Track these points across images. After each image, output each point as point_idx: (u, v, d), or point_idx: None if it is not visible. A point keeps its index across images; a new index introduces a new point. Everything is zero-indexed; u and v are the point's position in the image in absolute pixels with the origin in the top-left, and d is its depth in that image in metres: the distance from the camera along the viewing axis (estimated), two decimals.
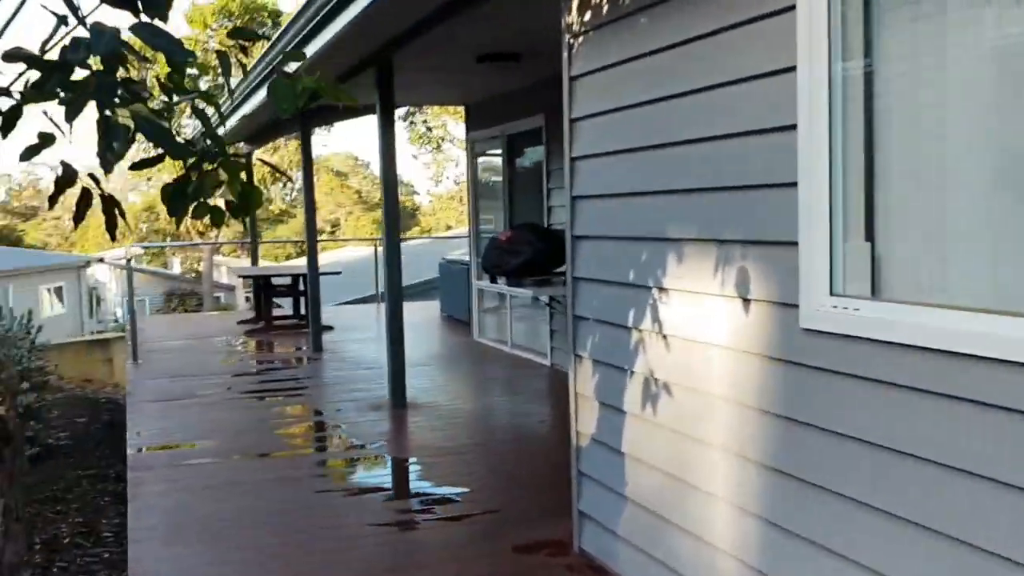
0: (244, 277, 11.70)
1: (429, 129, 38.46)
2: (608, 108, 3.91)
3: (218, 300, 45.84)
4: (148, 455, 6.14)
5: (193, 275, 40.20)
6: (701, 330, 3.35)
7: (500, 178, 10.43)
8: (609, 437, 4.02)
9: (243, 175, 2.95)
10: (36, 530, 5.47)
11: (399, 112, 39.38)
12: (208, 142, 2.84)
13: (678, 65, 3.42)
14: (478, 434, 6.66)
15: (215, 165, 2.86)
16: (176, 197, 2.84)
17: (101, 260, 41.19)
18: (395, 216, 7.40)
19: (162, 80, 2.77)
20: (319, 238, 65.46)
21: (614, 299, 3.93)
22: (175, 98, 2.70)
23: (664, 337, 3.58)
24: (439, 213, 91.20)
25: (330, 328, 11.97)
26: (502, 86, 9.57)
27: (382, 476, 5.69)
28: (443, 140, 38.49)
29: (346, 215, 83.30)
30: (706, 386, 3.35)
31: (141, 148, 34.32)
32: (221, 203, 3.11)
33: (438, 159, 39.70)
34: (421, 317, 13.45)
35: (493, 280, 8.71)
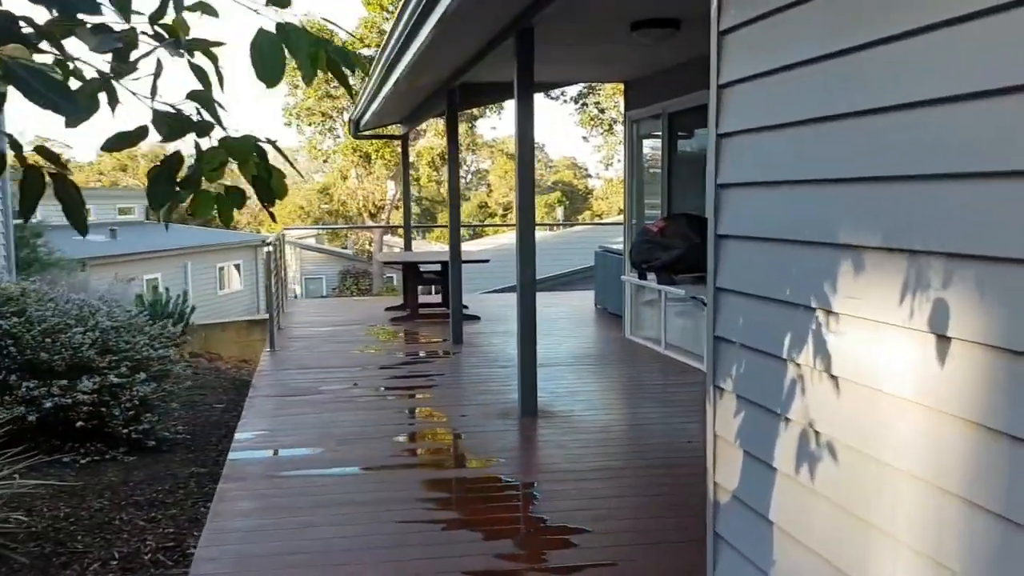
0: (388, 264, 11.19)
1: (601, 111, 37.52)
2: (770, 68, 2.97)
3: (390, 280, 46.78)
4: (246, 461, 5.62)
5: (366, 256, 40.91)
6: (880, 374, 2.39)
7: (659, 161, 9.47)
8: (754, 498, 3.10)
9: (255, 156, 2.22)
10: (121, 541, 5.03)
11: (570, 93, 38.63)
12: (201, 112, 2.12)
13: None
14: (613, 455, 5.79)
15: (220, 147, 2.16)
16: (159, 184, 2.14)
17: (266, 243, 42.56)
18: (529, 202, 6.61)
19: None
20: (492, 221, 65.28)
21: (766, 319, 3.00)
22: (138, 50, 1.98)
23: (830, 377, 2.63)
24: (612, 197, 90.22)
25: (476, 319, 11.36)
26: (662, 59, 8.60)
27: (493, 504, 4.93)
28: (615, 122, 37.44)
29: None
30: (884, 453, 2.39)
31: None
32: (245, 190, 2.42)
33: (609, 142, 38.59)
34: (574, 309, 12.66)
35: (642, 276, 7.80)
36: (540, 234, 31.37)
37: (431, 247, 43.85)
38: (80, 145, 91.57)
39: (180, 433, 7.33)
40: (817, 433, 2.71)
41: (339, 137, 35.27)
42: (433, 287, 12.86)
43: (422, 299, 12.49)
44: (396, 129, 15.00)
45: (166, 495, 5.93)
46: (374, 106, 11.33)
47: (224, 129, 2.09)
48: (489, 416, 6.63)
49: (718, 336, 3.31)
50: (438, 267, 11.85)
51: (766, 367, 2.97)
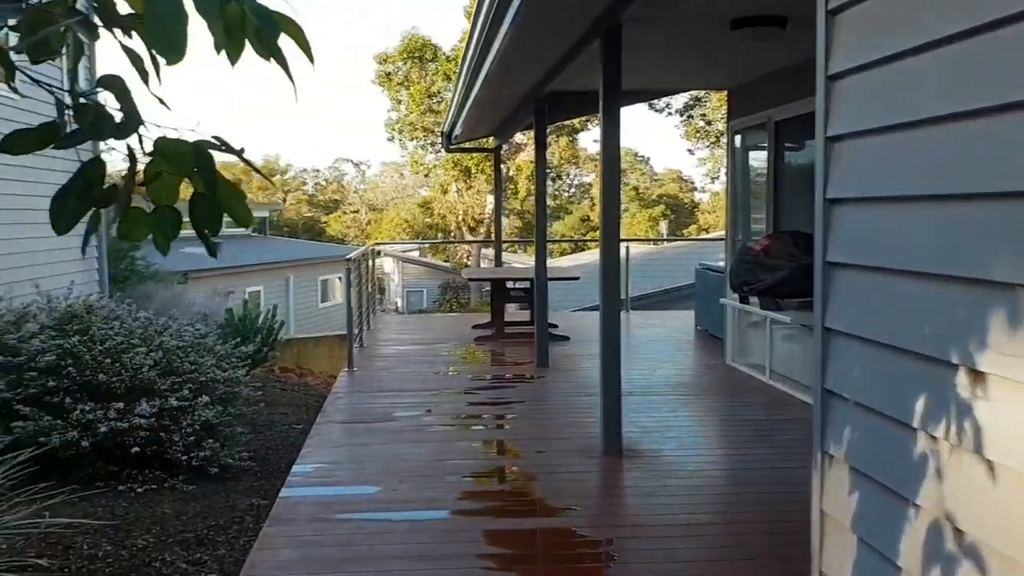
0: (473, 280, 10.71)
1: (707, 123, 36.55)
2: (896, 51, 2.32)
3: (487, 295, 46.53)
4: (298, 500, 5.15)
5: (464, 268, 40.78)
6: None
7: (764, 173, 8.73)
8: None
9: (195, 165, 1.69)
10: None
11: (675, 105, 37.75)
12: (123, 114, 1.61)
13: None
14: (705, 506, 5.11)
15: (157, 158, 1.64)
16: (63, 200, 1.63)
17: (378, 253, 42.77)
18: (614, 218, 6.00)
19: None
20: (595, 236, 65.52)
21: (890, 374, 2.34)
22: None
23: (979, 460, 1.97)
24: (718, 211, 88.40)
25: (565, 339, 10.77)
26: (767, 63, 7.89)
27: (563, 565, 4.33)
28: (721, 135, 36.40)
29: (621, 212, 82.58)
30: None
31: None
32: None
33: (715, 155, 37.53)
34: (672, 330, 11.95)
35: (743, 300, 7.10)
36: (642, 249, 30.61)
37: (531, 260, 43.48)
38: None
39: (246, 460, 6.93)
40: (958, 531, 2.04)
41: (440, 152, 35.23)
42: (522, 304, 12.35)
43: (511, 317, 11.98)
44: (488, 142, 14.57)
45: (218, 531, 5.52)
46: (462, 117, 10.89)
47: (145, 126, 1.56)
48: (569, 454, 6.03)
49: (827, 389, 2.66)
50: (527, 284, 11.33)
51: (889, 436, 2.31)
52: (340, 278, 34.57)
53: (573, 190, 76.36)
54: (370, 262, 13.71)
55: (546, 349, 9.21)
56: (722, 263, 11.72)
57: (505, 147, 35.90)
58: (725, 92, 9.96)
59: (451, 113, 11.94)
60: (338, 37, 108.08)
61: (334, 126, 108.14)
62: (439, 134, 35.51)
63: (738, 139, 9.52)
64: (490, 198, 36.01)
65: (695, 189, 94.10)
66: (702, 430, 7.08)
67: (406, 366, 9.43)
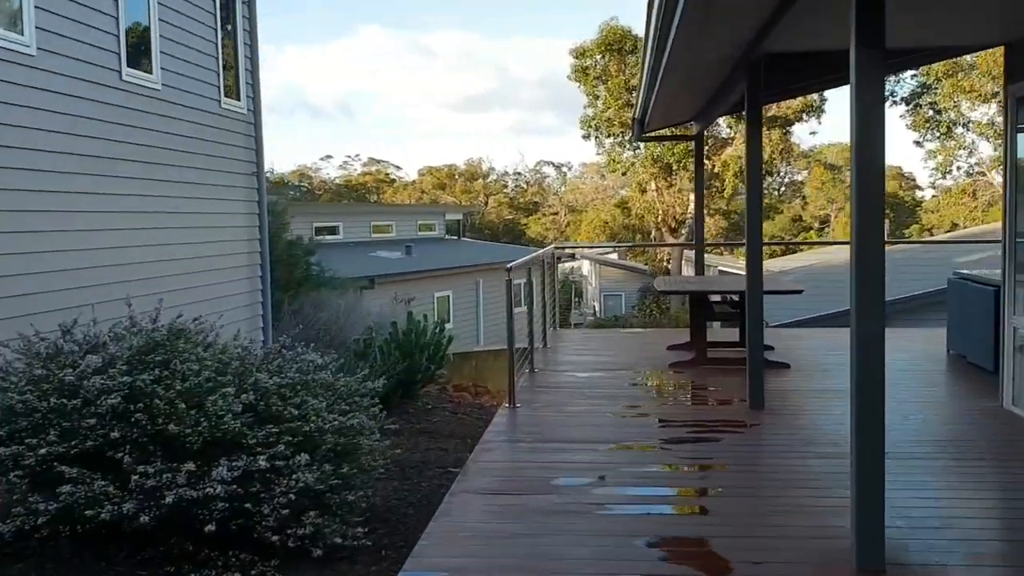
0: (667, 293, 8.77)
1: (937, 112, 32.63)
2: None
3: (687, 299, 43.87)
4: None
5: (663, 273, 38.55)
6: None
7: None
8: None
9: None
10: None
11: (902, 93, 33.99)
12: None
13: None
14: None
15: None
16: None
17: (572, 256, 41.17)
18: (879, 207, 3.96)
19: None
20: (806, 237, 61.12)
21: None
22: None
23: None
24: (943, 210, 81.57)
25: (784, 366, 8.65)
26: None
27: None
28: (954, 125, 32.41)
29: (836, 211, 77.51)
30: None
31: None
32: None
33: (947, 147, 33.52)
34: (915, 354, 9.55)
35: None
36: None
37: (739, 263, 40.60)
38: (407, 166, 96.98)
39: (361, 536, 5.31)
40: None
41: (640, 149, 33.22)
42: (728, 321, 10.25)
43: (714, 336, 9.93)
44: (689, 129, 12.53)
45: None
46: (655, 94, 8.98)
47: None
48: (801, 567, 4.04)
49: None
50: (734, 296, 9.28)
51: None
52: (524, 284, 33.29)
53: (784, 188, 72.32)
54: (553, 267, 12.02)
55: (761, 384, 7.16)
56: (986, 272, 9.23)
57: (709, 140, 33.47)
58: (1001, 48, 7.58)
59: (641, 91, 10.05)
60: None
61: (536, 128, 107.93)
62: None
63: (1020, 109, 7.11)
64: (692, 197, 33.67)
65: (918, 187, 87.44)
66: (1002, 525, 4.86)
67: (581, 402, 7.60)
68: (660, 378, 8.62)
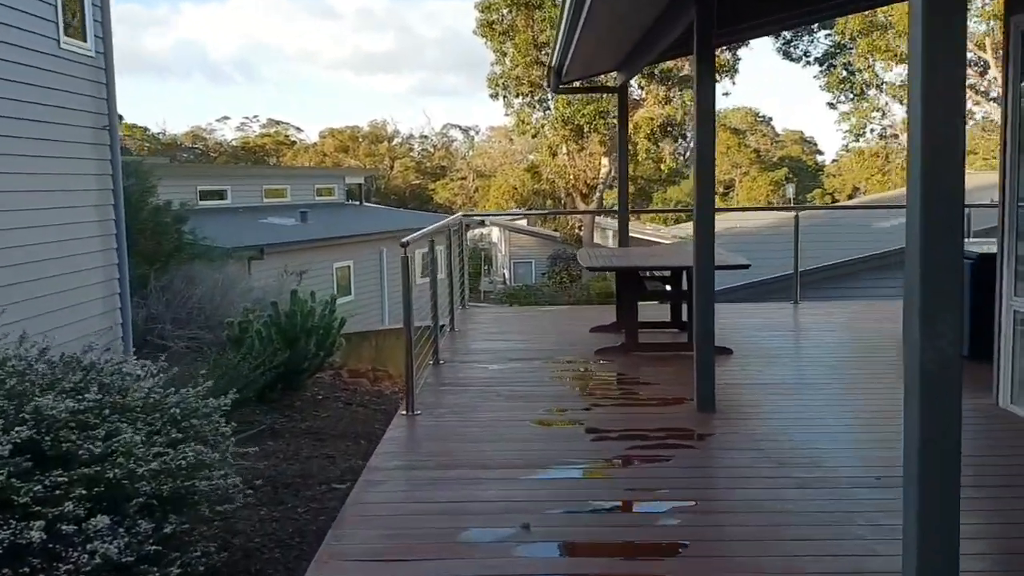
0: (593, 269, 7.42)
1: (851, 73, 32.08)
2: None
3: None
4: None
5: (574, 240, 37.46)
6: None
7: None
8: None
9: None
10: None
11: (816, 53, 33.35)
12: None
13: None
14: None
15: None
16: None
17: (482, 223, 39.77)
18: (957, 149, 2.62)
19: None
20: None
21: None
22: None
23: None
24: (846, 174, 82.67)
25: (726, 351, 7.42)
26: None
27: None
28: (868, 86, 31.93)
29: (741, 176, 77.76)
30: None
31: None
32: None
33: (860, 109, 33.05)
34: (874, 336, 8.44)
35: None
36: (765, 219, 26.68)
37: (644, 230, 39.62)
38: (308, 128, 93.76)
39: (215, 560, 3.81)
40: None
41: (549, 110, 31.84)
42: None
43: (644, 315, 8.64)
44: (611, 80, 11.16)
45: None
46: (576, 37, 7.60)
47: None
48: None
49: None
50: (669, 273, 8.00)
51: None
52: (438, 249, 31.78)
53: (689, 153, 71.99)
54: (461, 237, 10.59)
55: (711, 383, 5.88)
56: (982, 247, 8.18)
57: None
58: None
59: (561, 33, 8.66)
60: None
61: (442, 90, 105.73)
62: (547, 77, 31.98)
63: None
64: (605, 161, 32.47)
65: (820, 152, 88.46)
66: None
67: (494, 405, 6.20)
68: (586, 367, 7.29)
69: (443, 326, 8.81)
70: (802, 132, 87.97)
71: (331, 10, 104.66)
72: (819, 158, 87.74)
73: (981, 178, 29.04)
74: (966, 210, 10.56)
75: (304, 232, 23.37)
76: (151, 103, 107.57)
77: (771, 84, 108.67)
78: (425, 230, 7.31)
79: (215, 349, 10.26)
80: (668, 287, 8.11)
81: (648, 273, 8.21)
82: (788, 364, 7.33)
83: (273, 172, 37.16)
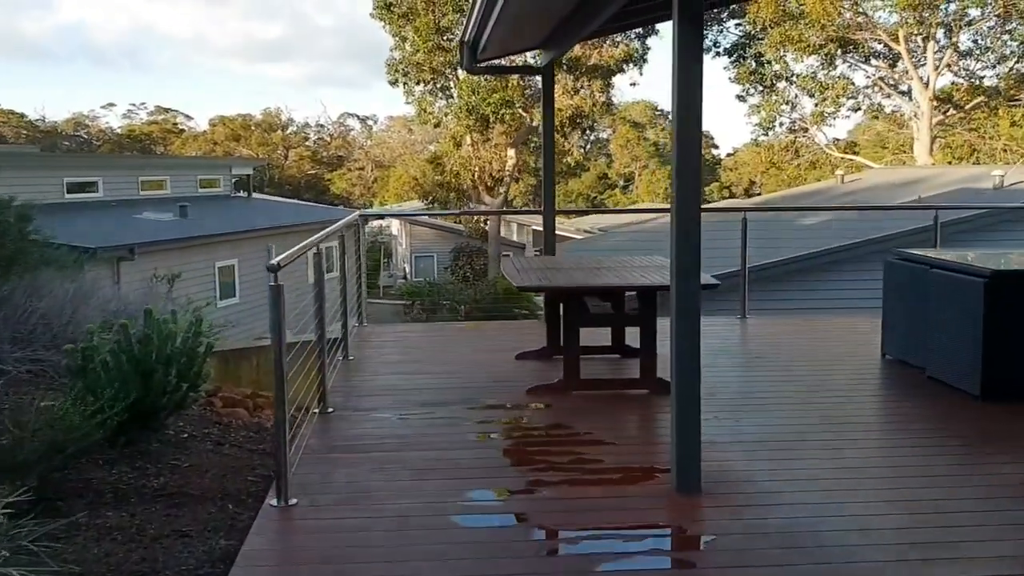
0: (525, 289, 5.81)
1: (761, 64, 31.30)
2: None
3: (508, 259, 41.30)
4: None
5: (479, 235, 35.90)
6: None
7: None
8: None
9: None
10: None
11: (725, 44, 32.49)
12: None
13: None
14: None
15: None
16: None
17: (380, 216, 37.80)
18: None
19: None
20: (612, 195, 59.61)
21: None
22: None
23: None
24: (742, 168, 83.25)
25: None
26: None
27: None
28: (778, 78, 31.17)
29: (640, 169, 77.46)
30: None
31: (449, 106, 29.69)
32: None
33: (770, 101, 32.31)
34: (827, 356, 7.11)
35: None
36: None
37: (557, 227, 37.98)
38: (196, 115, 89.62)
39: None
40: None
41: (453, 98, 30.15)
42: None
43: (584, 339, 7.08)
44: (533, 60, 9.59)
45: None
46: (499, 5, 6.03)
47: None
48: None
49: None
50: (614, 293, 6.46)
51: None
52: (326, 249, 29.70)
53: (589, 146, 71.07)
54: (358, 240, 8.91)
55: (696, 457, 4.35)
56: (953, 252, 6.88)
57: (526, 91, 30.59)
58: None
59: (477, 5, 7.06)
60: None
61: (338, 79, 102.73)
62: (454, 78, 30.18)
63: None
64: (511, 152, 30.94)
65: (714, 146, 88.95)
66: None
67: (399, 491, 4.52)
68: (519, 420, 5.70)
69: (335, 342, 7.13)
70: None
71: None
72: (715, 152, 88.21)
73: (898, 173, 28.63)
74: (935, 212, 9.34)
75: (182, 228, 21.18)
76: (32, 88, 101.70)
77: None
78: (306, 243, 5.63)
79: (62, 374, 8.32)
80: (612, 307, 6.59)
81: (599, 302, 6.67)
82: (771, 408, 5.89)
83: (150, 162, 34.39)
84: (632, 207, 43.90)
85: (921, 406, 5.94)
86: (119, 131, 74.05)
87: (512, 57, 10.33)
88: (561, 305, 6.60)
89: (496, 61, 9.33)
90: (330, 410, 5.82)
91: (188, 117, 78.12)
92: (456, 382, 6.63)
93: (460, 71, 29.00)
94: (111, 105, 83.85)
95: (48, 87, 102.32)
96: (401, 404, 6.03)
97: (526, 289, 5.95)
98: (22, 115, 66.74)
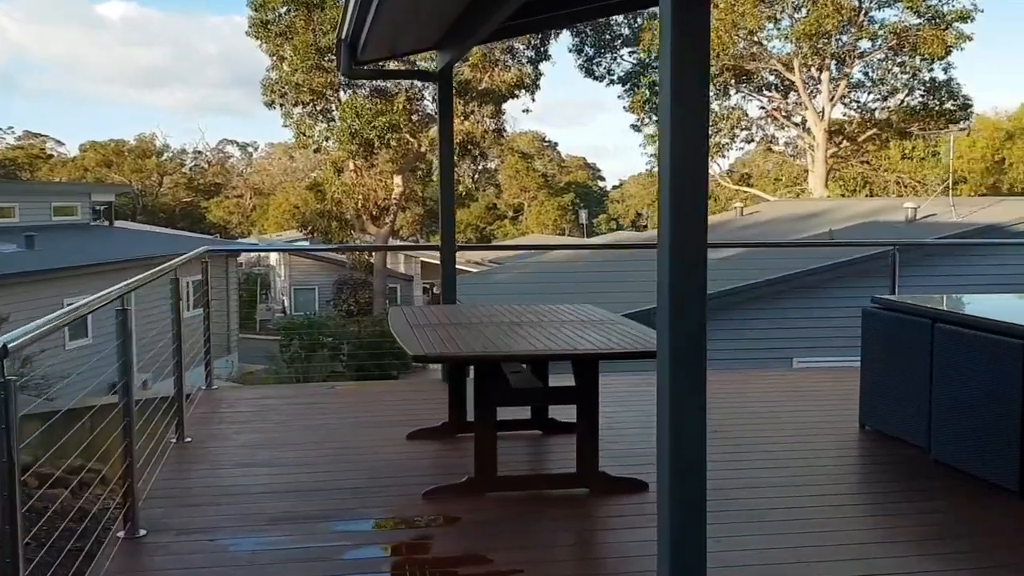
0: (423, 360, 4.11)
1: (654, 93, 30.45)
2: None
3: (393, 294, 39.51)
4: None
5: (364, 267, 33.99)
6: None
7: None
8: None
9: None
10: None
11: (618, 72, 31.57)
12: None
13: None
14: None
15: None
16: None
17: (233, 252, 35.54)
18: None
19: None
20: (501, 225, 58.78)
21: None
22: None
23: None
24: (629, 200, 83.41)
25: (638, 486, 4.38)
26: None
27: None
28: None
29: (529, 200, 76.66)
30: None
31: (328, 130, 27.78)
32: None
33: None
34: (781, 426, 5.69)
35: None
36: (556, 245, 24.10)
37: (423, 256, 36.21)
38: (70, 141, 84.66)
39: None
40: None
41: (334, 121, 28.28)
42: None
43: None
44: (426, 62, 7.95)
45: None
46: None
47: None
48: None
49: None
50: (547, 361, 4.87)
51: None
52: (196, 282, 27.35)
53: (477, 176, 69.90)
54: (205, 283, 7.08)
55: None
56: (952, 303, 5.57)
57: (413, 116, 28.87)
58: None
59: None
60: None
61: (219, 107, 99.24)
62: (335, 100, 28.21)
63: None
64: (398, 180, 29.19)
65: (601, 177, 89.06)
66: None
67: None
68: (412, 551, 4.02)
69: (168, 410, 5.38)
70: (584, 158, 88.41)
71: (100, 20, 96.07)
72: (601, 184, 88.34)
73: (798, 206, 28.11)
74: (892, 249, 8.11)
75: (23, 262, 18.68)
76: None
77: (561, 110, 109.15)
78: (109, 291, 3.89)
79: None
80: (533, 372, 4.99)
81: (521, 370, 5.05)
82: (769, 517, 4.38)
83: None
84: (540, 243, 42.57)
85: (941, 508, 4.52)
86: None
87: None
88: (471, 370, 4.98)
89: (382, 64, 7.67)
90: (142, 532, 4.03)
91: (59, 143, 73.74)
92: (325, 479, 4.89)
93: (342, 93, 27.22)
94: None
95: None
96: (245, 522, 4.26)
97: (425, 360, 4.27)
98: None
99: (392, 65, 8.67)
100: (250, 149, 78.55)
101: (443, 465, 5.09)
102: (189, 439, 5.63)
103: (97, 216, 28.46)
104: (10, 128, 72.56)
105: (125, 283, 4.22)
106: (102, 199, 29.08)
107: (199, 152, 76.76)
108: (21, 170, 68.77)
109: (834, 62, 29.94)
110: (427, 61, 10.06)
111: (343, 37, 6.90)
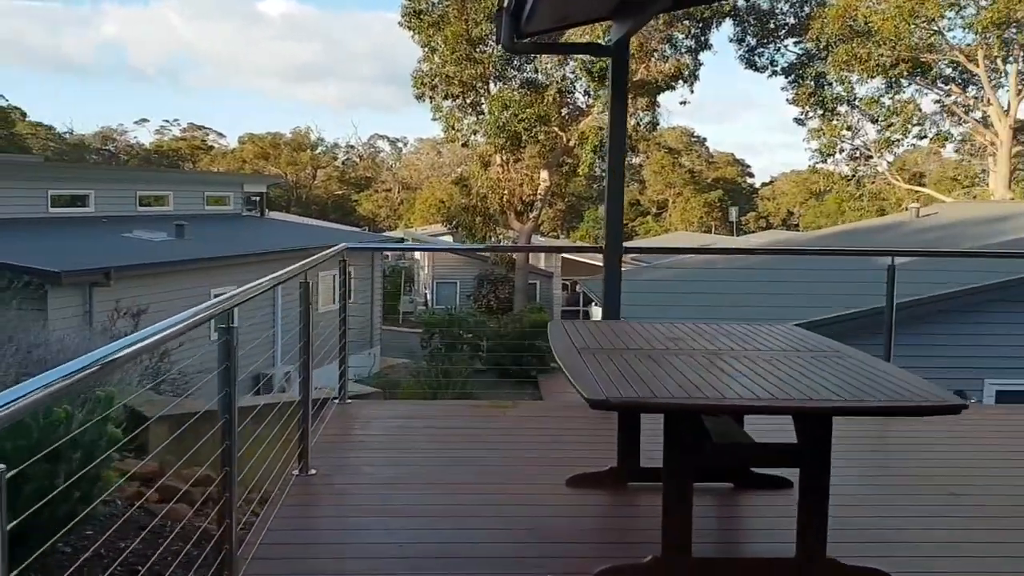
0: (605, 407, 3.10)
1: (821, 86, 28.57)
2: None
3: (532, 291, 38.74)
4: None
5: (505, 262, 33.29)
6: None
7: None
8: None
9: None
10: None
11: (783, 63, 29.79)
12: None
13: None
14: None
15: None
16: None
17: (401, 240, 35.36)
18: None
19: None
20: (644, 221, 57.37)
21: None
22: None
23: None
24: (780, 198, 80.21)
25: None
26: None
27: None
28: (838, 101, 28.43)
29: (674, 196, 74.69)
30: None
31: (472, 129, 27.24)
32: None
33: (832, 126, 29.54)
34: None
35: None
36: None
37: (598, 266, 34.94)
38: (232, 134, 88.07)
39: None
40: None
41: (483, 114, 27.66)
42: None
43: (649, 450, 4.39)
44: (598, 35, 6.94)
45: None
46: None
47: None
48: None
49: None
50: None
51: None
52: (334, 275, 27.10)
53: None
54: (345, 285, 6.30)
55: None
56: None
57: (563, 109, 27.92)
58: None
59: None
60: None
61: (370, 102, 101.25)
62: (485, 93, 27.51)
63: None
64: (544, 174, 28.36)
65: (749, 174, 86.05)
66: None
67: None
68: None
69: (298, 435, 4.57)
70: (733, 154, 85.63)
71: (260, 16, 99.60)
72: (750, 180, 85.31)
73: (981, 208, 25.65)
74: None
75: (172, 251, 18.70)
76: (71, 104, 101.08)
77: (710, 104, 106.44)
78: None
79: None
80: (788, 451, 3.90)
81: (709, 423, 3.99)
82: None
83: (150, 176, 31.95)
84: (716, 246, 41.19)
85: None
86: (148, 146, 72.75)
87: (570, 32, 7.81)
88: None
89: (548, 37, 6.71)
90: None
91: (220, 135, 76.68)
92: (481, 539, 3.95)
93: (492, 85, 26.56)
94: (144, 121, 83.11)
95: (85, 103, 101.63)
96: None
97: (606, 407, 3.26)
98: (50, 127, 65.33)
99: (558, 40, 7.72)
100: (399, 144, 79.65)
101: (616, 528, 4.08)
102: (313, 471, 4.80)
103: (251, 207, 28.75)
104: (175, 120, 75.83)
105: (230, 295, 3.37)
106: (254, 190, 29.36)
107: (351, 146, 78.31)
108: (184, 160, 71.69)
109: (1023, 53, 27.38)
110: (602, 36, 9.05)
111: (505, 4, 5.98)
